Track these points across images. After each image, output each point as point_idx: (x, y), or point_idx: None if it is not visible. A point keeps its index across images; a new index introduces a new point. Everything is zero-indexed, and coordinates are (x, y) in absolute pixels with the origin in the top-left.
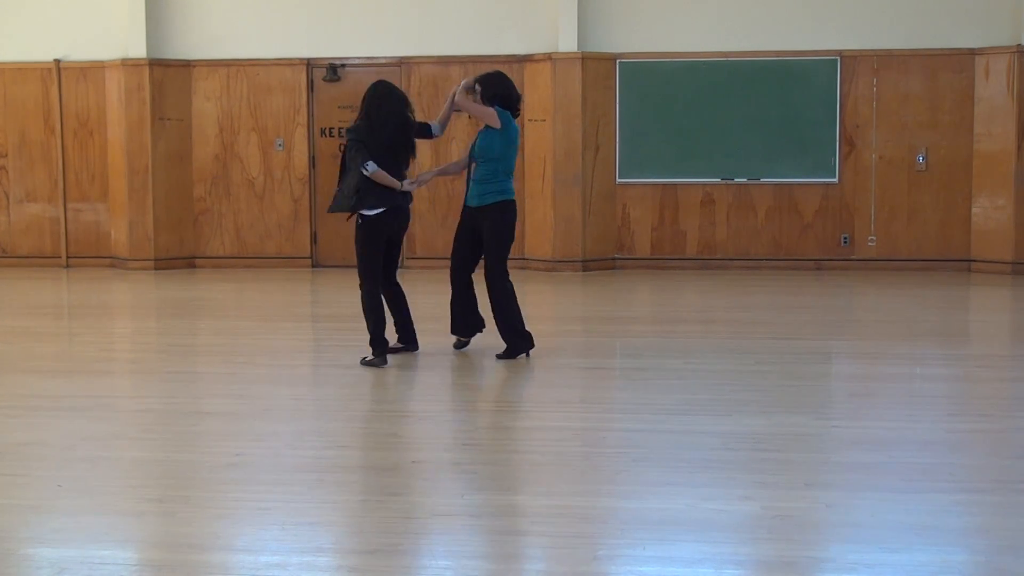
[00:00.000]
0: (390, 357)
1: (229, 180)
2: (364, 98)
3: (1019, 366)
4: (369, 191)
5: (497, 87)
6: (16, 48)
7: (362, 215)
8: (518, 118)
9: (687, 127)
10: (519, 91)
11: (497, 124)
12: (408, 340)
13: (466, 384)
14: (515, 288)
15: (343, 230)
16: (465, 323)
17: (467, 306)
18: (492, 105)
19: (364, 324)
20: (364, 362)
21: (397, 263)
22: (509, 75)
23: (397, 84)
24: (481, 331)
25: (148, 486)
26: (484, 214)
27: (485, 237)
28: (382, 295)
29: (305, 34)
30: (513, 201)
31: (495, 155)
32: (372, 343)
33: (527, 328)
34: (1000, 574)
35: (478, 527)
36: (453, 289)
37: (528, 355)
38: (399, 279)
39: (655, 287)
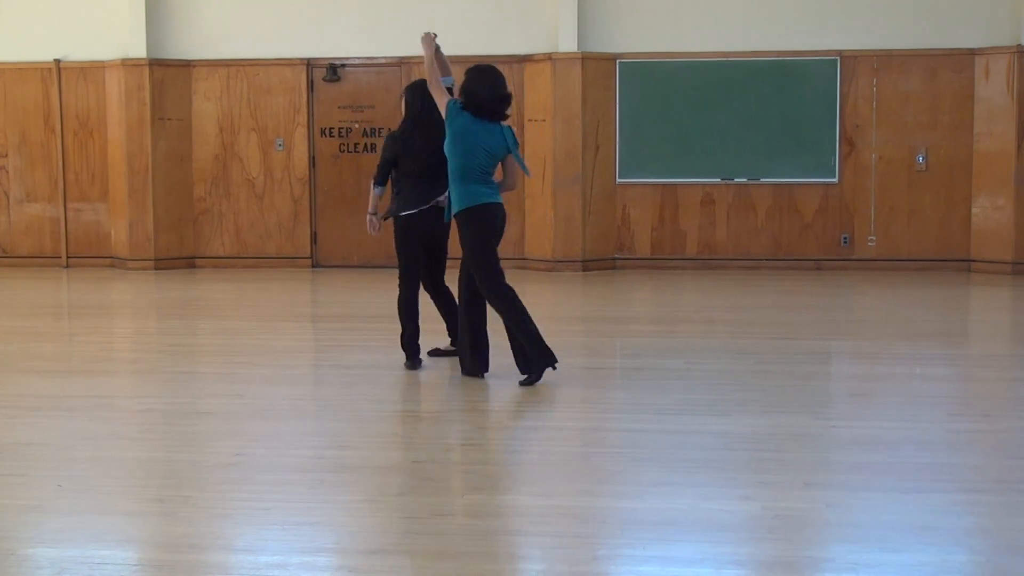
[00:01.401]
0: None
1: (229, 180)
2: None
3: (1019, 366)
4: (398, 193)
5: (470, 81)
6: (16, 48)
7: (397, 216)
8: (504, 120)
9: (687, 127)
10: (502, 92)
11: (441, 110)
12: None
13: (466, 384)
14: (516, 290)
15: (343, 230)
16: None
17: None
18: (461, 97)
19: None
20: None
21: (441, 269)
22: (508, 75)
23: (397, 84)
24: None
25: (148, 486)
26: (457, 224)
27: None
28: (434, 301)
29: (305, 34)
30: (469, 209)
31: (448, 154)
32: (402, 348)
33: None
34: (1000, 574)
35: (478, 527)
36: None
37: (554, 367)
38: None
39: (655, 287)
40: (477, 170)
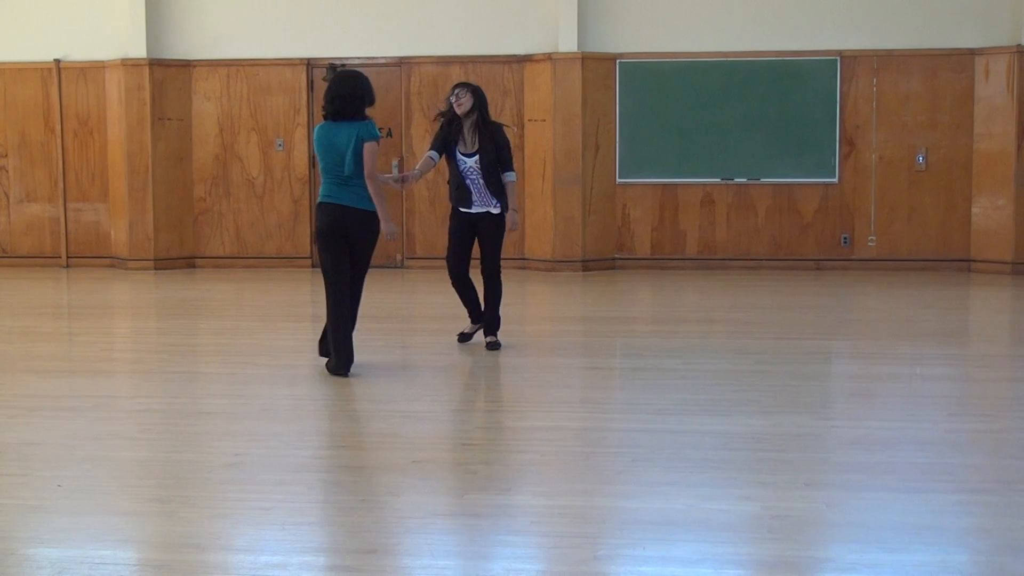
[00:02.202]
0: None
1: (229, 180)
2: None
3: (1019, 366)
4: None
5: None
6: (16, 48)
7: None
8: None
9: (687, 127)
10: (332, 92)
11: None
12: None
13: (466, 384)
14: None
15: None
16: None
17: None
18: None
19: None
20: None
21: (492, 256)
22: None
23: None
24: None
25: (148, 486)
26: None
27: None
28: (485, 285)
29: (305, 34)
30: (319, 204)
31: None
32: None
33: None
34: (1000, 574)
35: (478, 527)
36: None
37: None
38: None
39: (655, 287)
40: (331, 171)
